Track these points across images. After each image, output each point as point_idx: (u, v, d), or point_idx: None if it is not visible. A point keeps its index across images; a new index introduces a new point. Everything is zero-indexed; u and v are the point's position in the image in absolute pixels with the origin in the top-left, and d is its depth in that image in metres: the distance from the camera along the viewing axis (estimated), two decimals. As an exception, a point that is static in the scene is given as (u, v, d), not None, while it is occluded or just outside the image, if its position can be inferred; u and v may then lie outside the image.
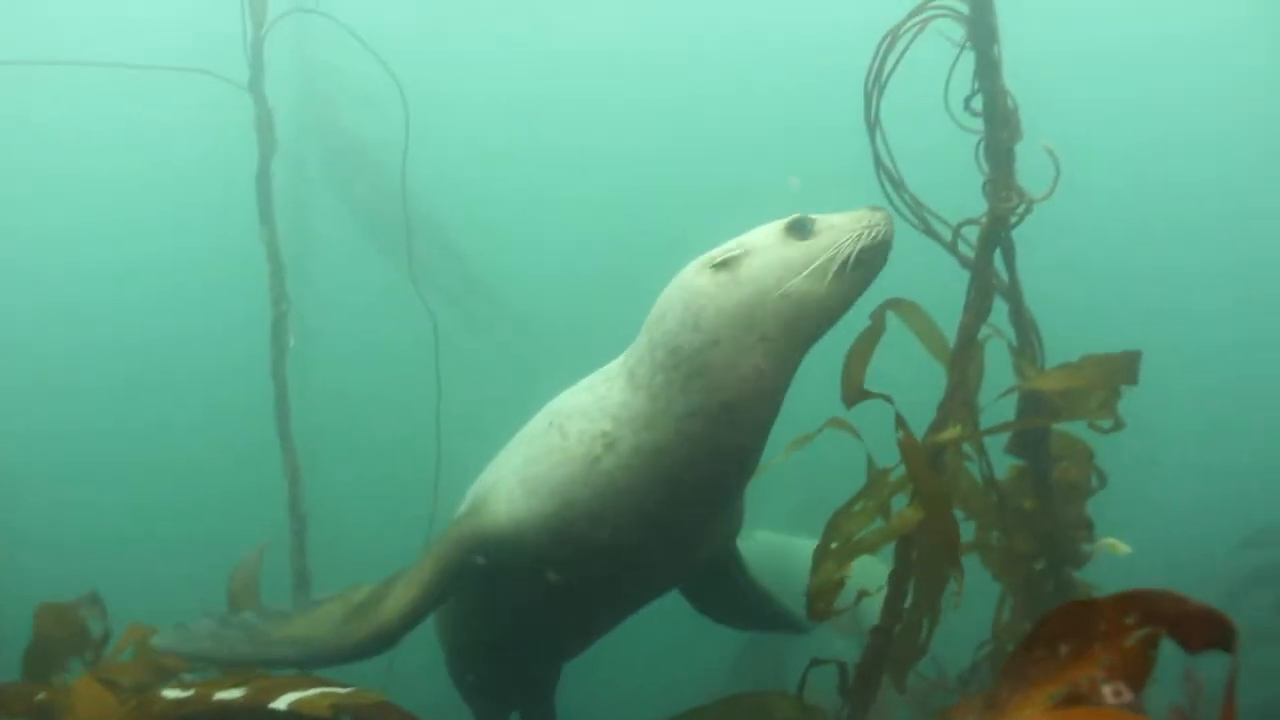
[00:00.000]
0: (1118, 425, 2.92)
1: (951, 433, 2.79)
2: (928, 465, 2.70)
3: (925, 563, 2.68)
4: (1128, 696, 1.38)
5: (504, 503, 2.86)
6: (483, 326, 10.84)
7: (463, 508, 3.15)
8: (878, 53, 2.98)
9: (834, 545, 2.84)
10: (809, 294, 2.66)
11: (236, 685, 2.47)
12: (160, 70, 5.10)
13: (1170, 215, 15.54)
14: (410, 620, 2.84)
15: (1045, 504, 2.97)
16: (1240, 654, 1.29)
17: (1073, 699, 1.40)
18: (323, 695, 2.44)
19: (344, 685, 2.60)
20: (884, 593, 2.81)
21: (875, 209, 2.81)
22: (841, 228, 2.74)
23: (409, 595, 2.84)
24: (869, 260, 2.73)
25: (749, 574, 3.39)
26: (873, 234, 2.72)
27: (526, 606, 3.04)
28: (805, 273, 2.66)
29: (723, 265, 2.72)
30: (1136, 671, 1.38)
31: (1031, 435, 3.00)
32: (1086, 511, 3.06)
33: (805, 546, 3.06)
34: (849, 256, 2.67)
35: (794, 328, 2.68)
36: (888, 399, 2.82)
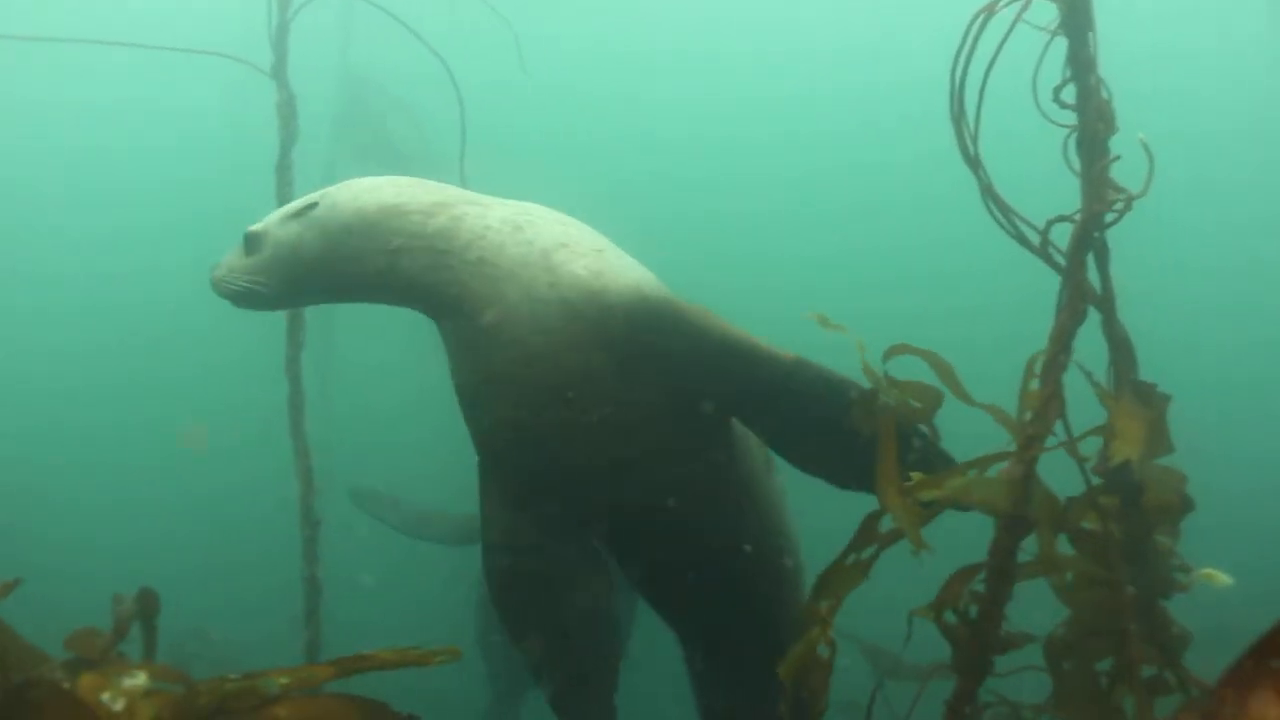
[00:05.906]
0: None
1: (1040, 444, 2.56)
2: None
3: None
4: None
5: None
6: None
7: None
8: (967, 34, 2.75)
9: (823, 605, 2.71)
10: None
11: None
12: (186, 53, 4.92)
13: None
14: None
15: (1135, 526, 2.71)
16: None
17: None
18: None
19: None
20: None
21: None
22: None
23: None
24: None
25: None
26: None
27: None
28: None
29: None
30: None
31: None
32: (1178, 537, 2.79)
33: None
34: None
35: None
36: None
